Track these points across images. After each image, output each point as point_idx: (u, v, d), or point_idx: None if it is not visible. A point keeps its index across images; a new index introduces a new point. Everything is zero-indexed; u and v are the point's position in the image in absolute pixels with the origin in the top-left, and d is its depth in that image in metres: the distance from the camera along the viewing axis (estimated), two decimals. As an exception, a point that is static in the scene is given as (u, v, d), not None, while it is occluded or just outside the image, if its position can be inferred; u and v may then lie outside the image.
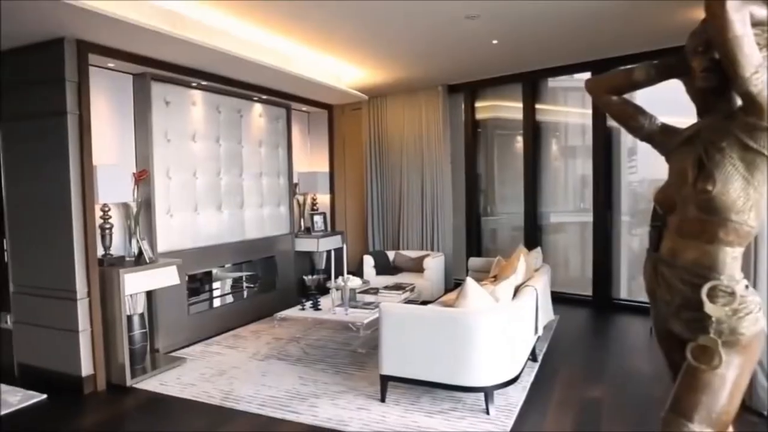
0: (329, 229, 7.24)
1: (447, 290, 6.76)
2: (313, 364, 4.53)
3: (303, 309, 4.80)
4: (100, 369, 4.14)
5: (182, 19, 4.29)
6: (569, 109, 7.07)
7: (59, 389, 4.08)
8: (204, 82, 5.28)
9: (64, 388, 4.09)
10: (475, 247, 7.36)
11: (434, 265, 6.52)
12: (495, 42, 5.28)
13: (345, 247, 5.13)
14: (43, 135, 4.10)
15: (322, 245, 6.72)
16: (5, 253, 4.41)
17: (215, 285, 5.87)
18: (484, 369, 3.41)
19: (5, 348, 4.53)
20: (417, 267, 6.63)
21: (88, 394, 4.06)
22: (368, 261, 6.60)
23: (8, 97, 4.31)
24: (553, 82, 6.87)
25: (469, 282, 3.60)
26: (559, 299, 5.84)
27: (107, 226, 4.31)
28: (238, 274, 6.17)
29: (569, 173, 7.11)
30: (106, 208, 4.31)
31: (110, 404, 3.93)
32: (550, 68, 6.44)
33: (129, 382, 4.17)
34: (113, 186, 4.25)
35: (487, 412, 3.49)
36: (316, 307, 4.77)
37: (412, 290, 5.45)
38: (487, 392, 3.48)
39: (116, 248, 4.45)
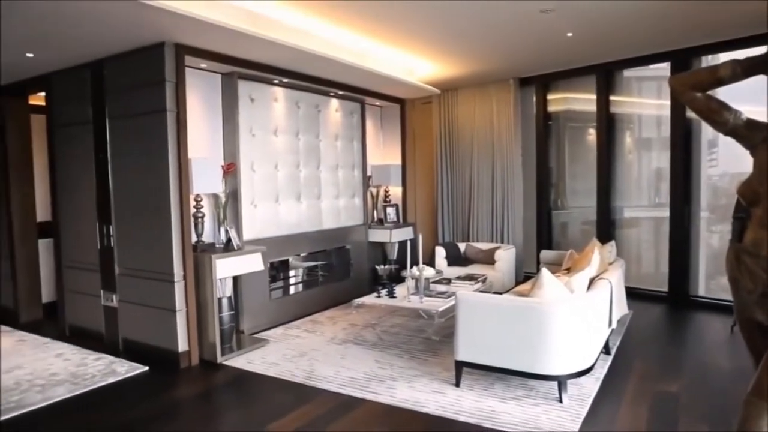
0: (401, 220, 7.42)
1: (517, 283, 6.81)
2: (389, 350, 4.73)
3: (379, 297, 5.00)
4: (194, 346, 4.51)
5: (266, 20, 4.54)
6: (644, 101, 6.92)
7: (158, 362, 4.48)
8: (285, 80, 5.55)
9: (162, 362, 4.48)
10: (545, 241, 7.35)
11: (505, 257, 6.58)
12: (570, 35, 5.27)
13: (419, 238, 5.28)
14: (145, 131, 4.49)
15: (394, 236, 6.92)
16: (111, 239, 4.86)
17: (291, 273, 6.17)
18: (558, 358, 3.49)
19: (112, 324, 4.99)
20: (488, 259, 6.71)
21: (183, 368, 4.44)
22: (440, 252, 6.74)
23: (115, 98, 4.74)
24: (627, 73, 6.74)
25: (545, 273, 3.68)
26: (632, 294, 5.77)
27: (199, 215, 4.66)
28: (312, 263, 6.44)
29: (643, 166, 6.96)
30: (199, 198, 4.67)
31: (203, 378, 4.28)
32: (626, 59, 6.34)
33: (219, 359, 4.51)
34: (205, 178, 4.60)
35: (560, 401, 3.57)
36: (391, 295, 4.97)
37: (483, 281, 5.55)
38: (561, 381, 3.56)
39: (206, 236, 4.81)
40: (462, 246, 7.08)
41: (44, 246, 6.25)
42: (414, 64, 6.42)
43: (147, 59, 4.41)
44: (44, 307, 6.25)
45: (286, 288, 5.90)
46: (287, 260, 5.96)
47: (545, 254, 6.01)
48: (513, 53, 5.98)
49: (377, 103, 7.37)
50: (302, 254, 6.08)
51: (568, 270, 4.72)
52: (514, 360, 3.60)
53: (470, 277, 5.64)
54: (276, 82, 5.56)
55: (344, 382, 4.03)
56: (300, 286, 6.10)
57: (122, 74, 4.65)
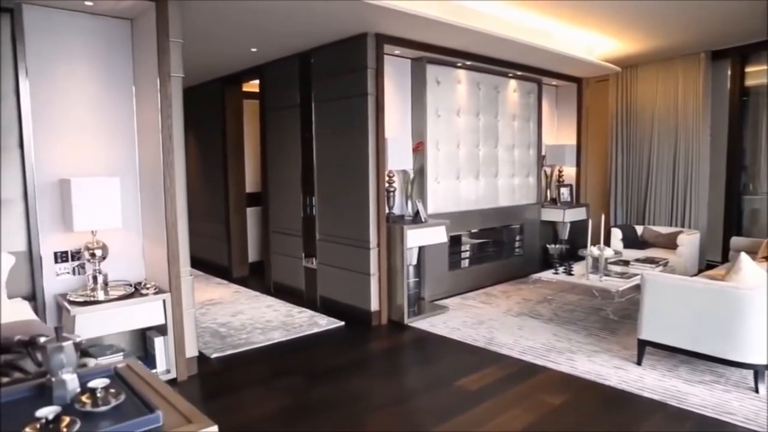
0: (575, 200, 7.38)
1: (700, 270, 6.47)
2: (564, 325, 4.86)
3: (556, 273, 5.13)
4: (384, 307, 5.02)
5: (453, 5, 4.79)
6: None
7: (352, 319, 5.07)
8: (468, 62, 5.81)
9: (356, 319, 5.06)
10: (734, 227, 6.85)
11: (688, 242, 6.29)
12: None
13: (600, 219, 5.28)
14: (348, 113, 5.03)
15: (567, 216, 6.94)
16: (313, 209, 5.54)
17: (466, 247, 6.48)
18: (756, 346, 3.39)
19: (311, 283, 5.71)
20: (667, 243, 6.46)
21: (374, 325, 4.97)
22: (616, 233, 6.62)
23: (320, 83, 5.35)
24: None
25: (744, 258, 3.58)
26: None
27: (391, 189, 5.14)
28: (486, 239, 6.66)
29: None
30: (391, 174, 5.14)
31: (393, 336, 4.77)
32: None
33: (406, 320, 4.98)
34: (398, 155, 5.05)
35: (756, 390, 3.47)
36: (569, 272, 5.07)
37: (665, 265, 5.41)
38: (758, 370, 3.46)
39: (395, 209, 5.28)
40: (639, 228, 6.87)
41: (251, 214, 7.25)
42: (594, 42, 6.31)
43: (350, 48, 4.93)
44: (250, 266, 7.26)
45: (462, 261, 6.23)
46: (465, 234, 6.27)
47: (737, 241, 5.67)
48: (706, 24, 5.61)
49: (554, 83, 7.35)
50: (478, 229, 6.35)
51: (766, 258, 4.46)
52: (704, 344, 3.56)
53: (650, 260, 5.52)
54: (459, 65, 5.84)
55: (524, 350, 4.27)
56: (474, 259, 6.39)
57: (327, 62, 5.24)
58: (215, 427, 1.43)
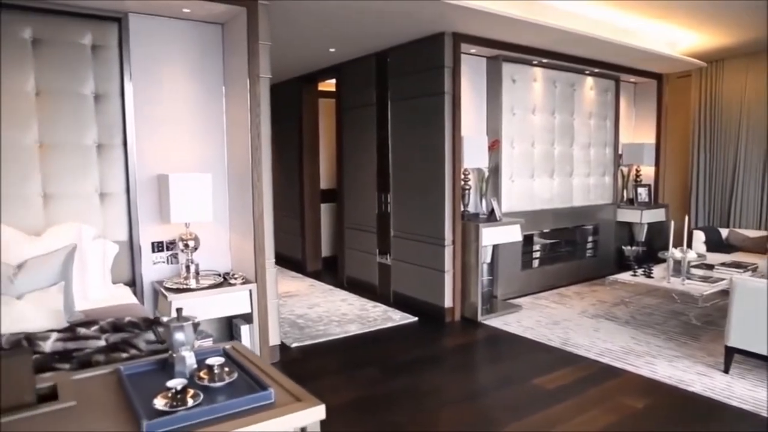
0: (653, 201, 7.15)
1: (791, 276, 6.12)
2: (642, 328, 4.74)
3: (635, 275, 5.00)
4: (457, 304, 5.07)
5: (530, 3, 4.75)
6: None
7: (425, 315, 5.14)
8: (544, 60, 5.75)
9: (429, 315, 5.12)
10: (832, 232, 6.43)
11: (779, 246, 5.96)
12: None
13: (683, 220, 5.11)
14: (424, 111, 5.10)
15: (645, 217, 6.73)
16: (388, 205, 5.64)
17: (537, 246, 6.40)
18: None
19: (384, 278, 5.82)
20: (756, 247, 6.14)
21: (448, 322, 5.02)
22: (698, 236, 6.36)
23: (396, 82, 5.44)
24: None
25: None
26: None
27: (466, 187, 5.17)
28: (560, 239, 6.56)
29: None
30: (466, 172, 5.16)
31: (467, 332, 4.81)
32: None
33: (479, 318, 5.00)
34: (474, 153, 5.07)
35: None
36: (648, 275, 4.93)
37: (754, 270, 5.16)
38: None
39: (470, 207, 5.30)
40: (724, 231, 6.57)
41: (325, 210, 7.45)
42: (676, 36, 6.09)
43: (427, 48, 4.99)
44: (323, 260, 7.46)
45: (535, 260, 6.17)
46: (538, 233, 6.20)
47: (836, 246, 5.33)
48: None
49: (632, 80, 7.14)
50: (551, 229, 6.27)
51: None
52: (799, 352, 3.41)
53: (737, 265, 5.27)
54: (535, 63, 5.79)
55: (601, 352, 4.20)
56: (547, 259, 6.31)
57: (404, 62, 5.32)
58: (322, 406, 1.53)
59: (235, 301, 3.75)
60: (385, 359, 4.19)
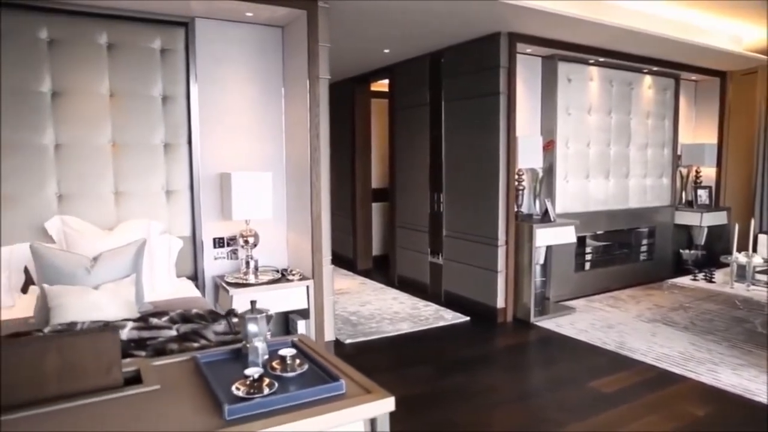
0: (713, 203, 6.91)
1: None
2: (703, 335, 4.61)
3: (695, 279, 4.87)
4: (510, 304, 5.04)
5: (587, 1, 4.68)
6: None
7: (477, 315, 5.14)
8: (601, 59, 5.64)
9: (480, 315, 5.12)
10: None
11: None
12: None
13: (749, 224, 4.94)
14: (479, 112, 5.09)
15: (705, 220, 6.52)
16: (441, 205, 5.66)
17: (591, 248, 6.29)
18: None
19: (436, 278, 5.84)
20: (825, 253, 5.87)
21: (500, 322, 5.01)
22: (763, 240, 6.10)
23: (450, 82, 5.46)
24: None
25: None
26: None
27: (520, 188, 5.15)
28: (614, 241, 6.43)
29: None
30: (520, 172, 5.14)
31: (519, 333, 4.78)
32: None
33: (532, 319, 4.96)
34: (528, 154, 5.03)
35: None
36: (709, 279, 4.79)
37: (823, 276, 4.94)
38: None
39: (524, 207, 5.28)
40: (790, 236, 6.30)
41: (376, 209, 7.53)
42: (741, 31, 5.89)
43: (483, 48, 4.98)
44: (374, 259, 7.54)
45: (589, 262, 6.07)
46: (592, 235, 6.10)
47: None
48: None
49: (693, 78, 6.92)
50: (606, 231, 6.15)
51: None
52: None
53: (807, 271, 5.06)
54: (591, 61, 5.69)
55: (658, 357, 4.11)
56: (601, 262, 6.20)
57: (458, 62, 5.33)
58: (392, 398, 1.58)
59: (292, 296, 3.85)
60: (438, 358, 4.22)
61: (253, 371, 1.56)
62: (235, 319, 2.43)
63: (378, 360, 4.18)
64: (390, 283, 6.52)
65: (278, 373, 1.68)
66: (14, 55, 3.37)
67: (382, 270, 7.05)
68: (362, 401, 1.56)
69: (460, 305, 5.38)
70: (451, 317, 5.12)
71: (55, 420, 1.47)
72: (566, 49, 5.30)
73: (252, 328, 1.76)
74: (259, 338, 1.77)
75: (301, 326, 3.97)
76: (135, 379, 1.72)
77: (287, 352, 1.72)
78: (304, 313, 3.97)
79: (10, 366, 1.53)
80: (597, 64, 5.76)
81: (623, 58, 5.76)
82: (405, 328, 4.84)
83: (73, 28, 3.52)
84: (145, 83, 3.76)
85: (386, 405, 1.58)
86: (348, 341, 4.48)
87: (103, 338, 1.65)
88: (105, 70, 3.64)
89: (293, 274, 3.91)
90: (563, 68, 5.49)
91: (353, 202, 7.35)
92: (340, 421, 1.52)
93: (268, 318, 1.79)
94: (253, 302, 1.82)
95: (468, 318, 5.10)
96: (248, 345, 1.77)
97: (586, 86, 5.72)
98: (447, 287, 5.67)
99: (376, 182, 7.58)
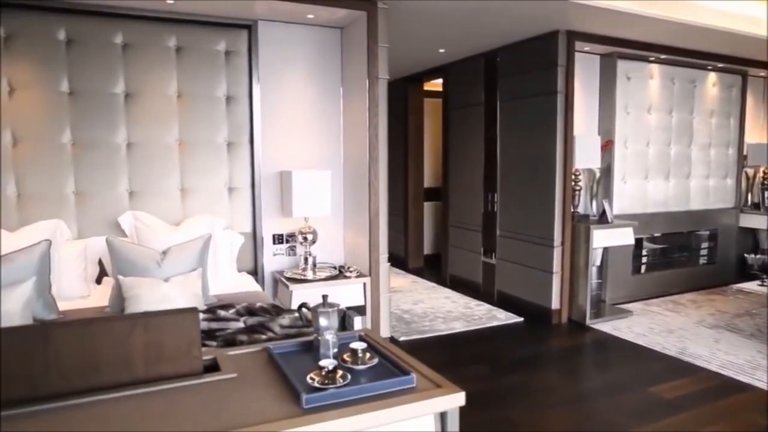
0: (782, 206, 6.64)
1: None
2: (771, 342, 4.44)
3: (763, 285, 4.69)
4: (565, 306, 4.98)
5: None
6: None
7: (530, 315, 5.09)
8: (662, 56, 5.50)
9: (534, 316, 5.07)
10: None
11: None
12: None
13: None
14: (535, 111, 5.04)
15: (772, 223, 6.27)
16: (495, 205, 5.63)
17: (650, 250, 6.13)
18: None
19: (488, 277, 5.82)
20: None
21: (554, 324, 4.95)
22: (836, 245, 5.86)
23: (506, 82, 5.42)
24: None
25: None
26: None
27: (576, 188, 5.08)
28: (673, 243, 6.24)
29: None
30: (577, 173, 5.06)
31: (575, 335, 4.71)
32: None
33: (587, 321, 4.88)
34: (585, 154, 4.96)
35: None
36: (778, 284, 4.61)
37: None
38: None
39: (580, 208, 5.20)
40: None
41: (428, 208, 7.55)
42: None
43: (540, 46, 4.93)
44: (425, 258, 7.56)
45: (646, 265, 5.92)
46: (649, 237, 5.95)
47: None
48: None
49: (762, 74, 6.64)
50: (665, 233, 5.98)
51: None
52: None
53: None
54: (652, 59, 5.55)
55: (723, 365, 3.98)
56: (659, 265, 6.03)
57: (514, 61, 5.29)
58: (463, 393, 1.61)
59: (349, 293, 3.92)
60: (493, 357, 4.21)
61: (327, 362, 1.62)
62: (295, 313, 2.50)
63: (433, 358, 4.18)
64: (441, 281, 6.53)
65: (349, 365, 1.73)
66: (91, 59, 3.56)
67: (433, 269, 7.07)
68: (433, 395, 1.59)
69: (513, 305, 5.35)
70: (504, 317, 5.09)
71: (143, 401, 1.56)
72: (626, 47, 5.18)
73: (323, 321, 1.82)
74: (330, 331, 1.83)
75: (358, 322, 4.03)
76: (213, 367, 1.81)
77: (358, 345, 1.77)
78: (360, 310, 4.03)
79: (103, 342, 1.63)
80: (658, 61, 5.61)
81: (686, 54, 5.59)
82: (458, 327, 4.84)
83: (144, 32, 3.69)
84: (210, 84, 3.90)
85: (457, 399, 1.61)
86: (402, 339, 4.52)
87: (184, 318, 1.73)
88: (173, 72, 3.79)
89: (350, 271, 3.98)
90: (622, 66, 5.38)
91: (405, 201, 7.39)
92: (411, 414, 1.56)
93: (339, 312, 1.85)
94: (324, 296, 1.88)
95: (521, 318, 5.06)
96: (319, 338, 1.83)
97: (646, 84, 5.58)
98: (500, 287, 5.64)
99: (428, 181, 7.60)
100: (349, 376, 1.63)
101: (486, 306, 5.46)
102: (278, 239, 4.22)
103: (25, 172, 3.47)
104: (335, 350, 1.84)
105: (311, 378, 1.61)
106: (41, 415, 1.48)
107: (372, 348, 1.88)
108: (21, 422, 1.45)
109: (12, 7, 3.34)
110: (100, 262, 3.52)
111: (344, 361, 1.75)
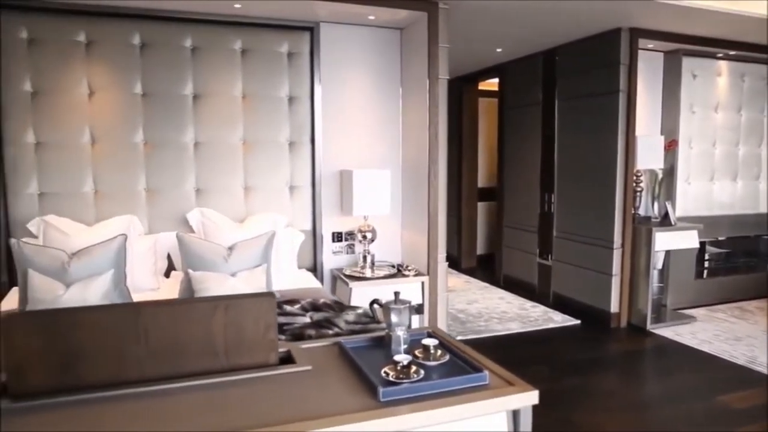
0: None
1: None
2: None
3: (839, 291, 4.46)
4: (624, 309, 4.87)
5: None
6: None
7: (588, 318, 5.00)
8: (731, 52, 5.29)
9: (592, 318, 4.98)
10: None
11: None
12: None
13: None
14: (595, 110, 4.95)
15: None
16: (552, 205, 5.56)
17: (715, 254, 5.91)
18: None
19: (544, 279, 5.75)
20: None
21: (613, 327, 4.84)
22: None
23: (565, 81, 5.34)
24: None
25: None
26: None
27: (638, 189, 4.96)
28: (734, 248, 5.99)
29: None
30: (639, 173, 4.94)
31: (635, 340, 4.61)
32: None
33: (648, 326, 4.76)
34: (648, 154, 4.83)
35: None
36: None
37: None
38: None
39: (641, 209, 5.07)
40: None
41: (481, 208, 7.51)
42: None
43: (601, 45, 4.84)
44: (478, 258, 7.52)
45: (711, 270, 5.72)
46: (712, 241, 5.74)
47: None
48: None
49: (841, 69, 6.31)
50: (731, 236, 5.76)
51: None
52: None
53: None
54: (720, 55, 5.36)
55: (796, 374, 3.82)
56: (725, 270, 5.81)
57: (574, 60, 5.20)
58: (536, 392, 1.61)
59: (408, 291, 3.94)
60: (551, 359, 4.17)
61: (402, 358, 1.65)
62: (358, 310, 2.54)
63: (491, 358, 4.17)
64: (495, 282, 6.48)
65: (421, 361, 1.76)
66: (163, 62, 3.72)
67: (486, 269, 7.03)
68: (506, 392, 1.61)
69: (569, 308, 5.26)
70: (560, 319, 5.02)
71: (225, 389, 1.62)
72: (692, 43, 5.02)
73: (395, 318, 1.86)
74: (401, 327, 1.86)
75: (415, 321, 4.05)
76: (287, 360, 1.87)
77: (430, 342, 1.80)
78: (418, 309, 4.05)
79: (187, 322, 1.70)
80: (726, 57, 5.41)
81: (759, 50, 5.36)
82: (514, 327, 4.81)
83: (211, 35, 3.82)
84: (274, 85, 4.00)
85: (530, 398, 1.61)
86: (459, 338, 4.52)
87: (262, 302, 1.79)
88: (239, 73, 3.91)
89: (409, 270, 4.01)
90: (688, 63, 5.22)
91: (459, 201, 7.36)
92: (485, 411, 1.57)
93: (411, 309, 1.88)
94: (396, 293, 1.92)
95: (578, 321, 4.98)
96: (391, 334, 1.86)
97: (713, 82, 5.39)
98: (556, 289, 5.56)
99: (482, 181, 7.56)
100: (422, 372, 1.66)
101: (542, 307, 5.40)
102: (337, 237, 4.29)
103: (102, 170, 3.65)
104: (405, 346, 1.87)
105: (385, 372, 1.65)
106: (127, 399, 1.57)
107: (443, 345, 1.90)
108: (108, 405, 1.54)
109: (92, 15, 3.52)
110: (169, 257, 3.67)
111: (416, 357, 1.78)
